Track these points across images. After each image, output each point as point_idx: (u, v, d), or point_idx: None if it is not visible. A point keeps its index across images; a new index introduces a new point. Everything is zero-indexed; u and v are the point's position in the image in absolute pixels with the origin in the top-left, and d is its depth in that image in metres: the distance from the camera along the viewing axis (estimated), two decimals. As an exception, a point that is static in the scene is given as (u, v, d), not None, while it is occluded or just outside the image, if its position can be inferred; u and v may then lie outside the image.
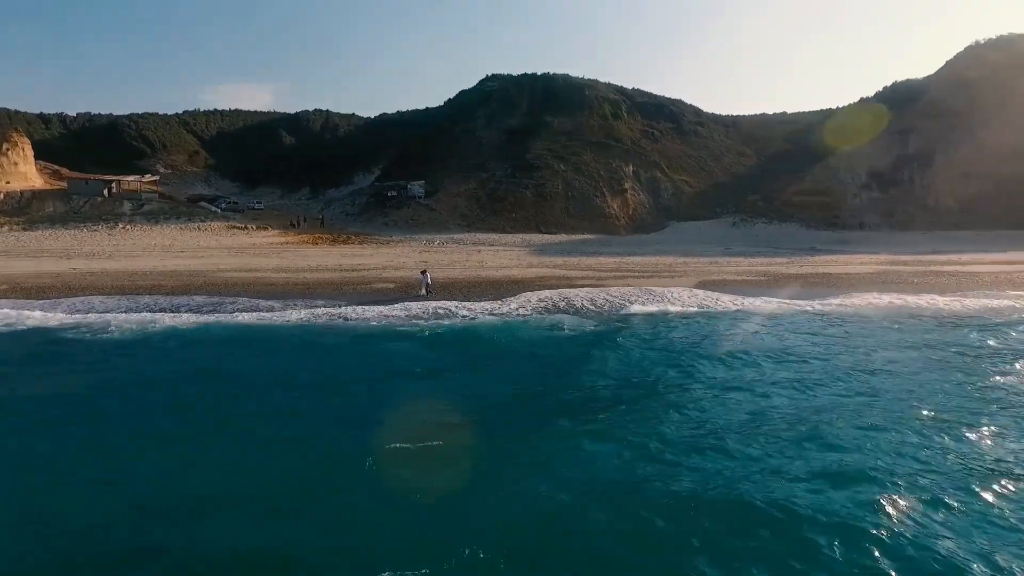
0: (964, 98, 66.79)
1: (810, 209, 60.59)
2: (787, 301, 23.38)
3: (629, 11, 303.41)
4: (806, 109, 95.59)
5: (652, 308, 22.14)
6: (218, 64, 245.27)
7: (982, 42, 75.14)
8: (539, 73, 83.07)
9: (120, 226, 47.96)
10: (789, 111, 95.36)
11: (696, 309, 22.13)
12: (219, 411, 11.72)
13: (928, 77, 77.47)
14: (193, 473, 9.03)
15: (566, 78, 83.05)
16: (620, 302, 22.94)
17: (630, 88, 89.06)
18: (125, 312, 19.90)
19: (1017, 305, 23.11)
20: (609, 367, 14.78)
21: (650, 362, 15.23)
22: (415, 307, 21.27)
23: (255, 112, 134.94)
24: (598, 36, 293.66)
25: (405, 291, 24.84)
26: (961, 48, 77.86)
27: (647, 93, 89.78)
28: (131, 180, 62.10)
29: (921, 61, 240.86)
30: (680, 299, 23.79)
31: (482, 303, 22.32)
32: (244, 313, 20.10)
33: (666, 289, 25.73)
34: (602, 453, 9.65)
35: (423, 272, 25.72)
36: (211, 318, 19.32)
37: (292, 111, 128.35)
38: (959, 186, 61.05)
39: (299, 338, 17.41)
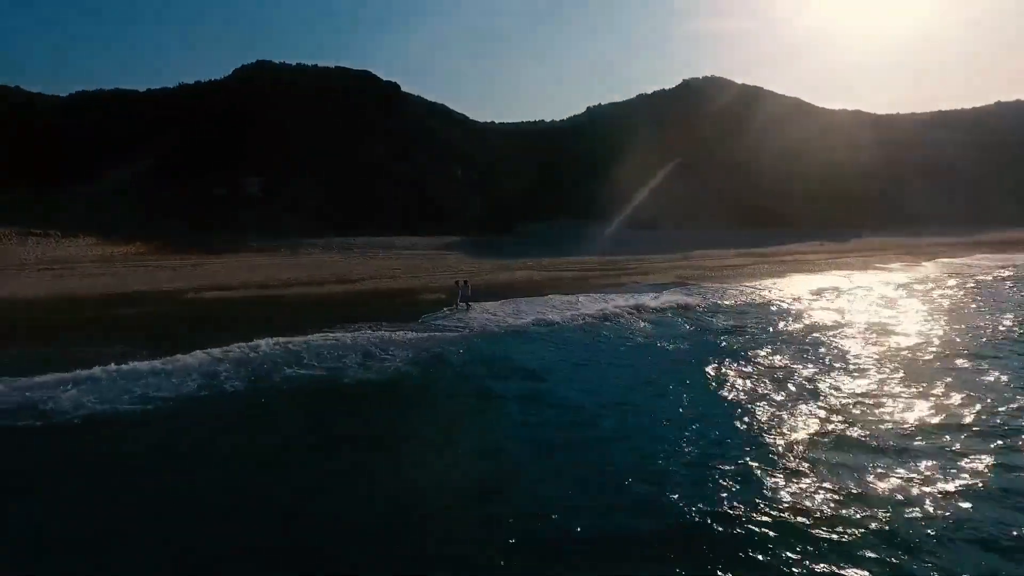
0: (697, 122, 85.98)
1: (622, 211, 70.68)
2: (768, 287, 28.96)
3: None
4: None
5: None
6: None
7: (700, 78, 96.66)
8: (354, 68, 78.13)
9: None
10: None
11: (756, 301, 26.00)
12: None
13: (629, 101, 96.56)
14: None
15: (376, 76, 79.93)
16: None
17: (409, 92, 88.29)
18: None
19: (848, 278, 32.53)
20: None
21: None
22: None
23: None
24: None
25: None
26: (677, 82, 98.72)
27: (424, 99, 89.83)
28: None
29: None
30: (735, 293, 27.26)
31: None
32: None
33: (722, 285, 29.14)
34: None
35: (462, 283, 24.08)
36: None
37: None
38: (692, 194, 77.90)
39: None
